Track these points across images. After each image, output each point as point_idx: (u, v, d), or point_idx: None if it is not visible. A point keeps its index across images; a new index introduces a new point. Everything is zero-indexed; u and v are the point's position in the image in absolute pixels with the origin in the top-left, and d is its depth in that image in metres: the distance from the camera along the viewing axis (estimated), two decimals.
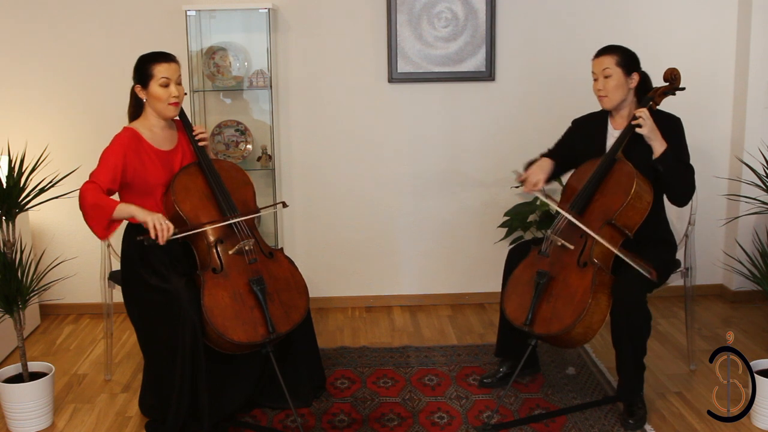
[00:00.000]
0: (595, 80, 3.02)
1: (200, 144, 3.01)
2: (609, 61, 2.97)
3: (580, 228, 2.91)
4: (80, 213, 4.09)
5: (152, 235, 2.71)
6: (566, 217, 2.97)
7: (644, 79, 3.04)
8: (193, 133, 3.01)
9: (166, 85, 2.87)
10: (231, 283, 2.83)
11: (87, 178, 2.80)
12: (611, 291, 2.81)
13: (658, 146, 2.87)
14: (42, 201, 2.99)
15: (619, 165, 2.93)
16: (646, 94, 3.02)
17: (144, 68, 2.88)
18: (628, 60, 2.98)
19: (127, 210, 2.76)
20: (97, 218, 2.74)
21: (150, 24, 3.96)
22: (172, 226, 2.75)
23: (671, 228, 3.14)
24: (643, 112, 2.88)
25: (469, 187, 4.20)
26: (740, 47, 4.11)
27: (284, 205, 3.15)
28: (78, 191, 2.76)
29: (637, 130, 2.89)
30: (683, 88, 3.04)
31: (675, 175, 2.88)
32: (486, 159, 4.18)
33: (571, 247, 2.91)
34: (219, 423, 2.88)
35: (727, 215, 4.19)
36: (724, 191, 4.11)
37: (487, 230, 4.22)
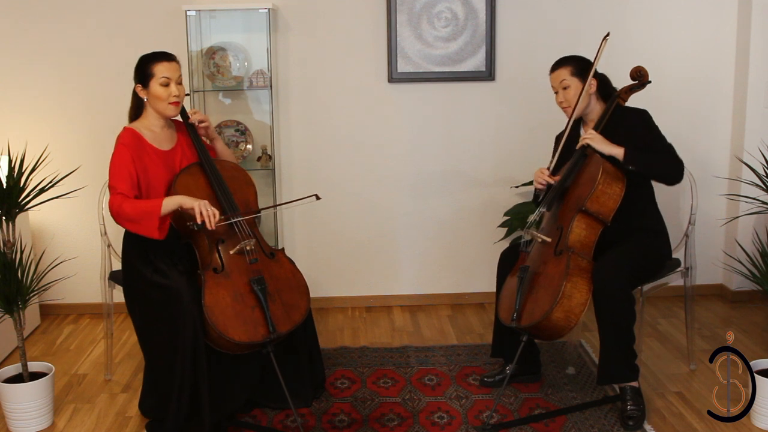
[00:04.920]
0: (556, 93, 3.11)
1: (200, 125, 3.03)
2: (564, 73, 3.06)
3: (556, 222, 2.98)
4: (77, 213, 4.09)
5: (198, 220, 2.74)
6: (543, 213, 3.05)
7: (603, 81, 3.11)
8: (188, 114, 3.01)
9: (166, 85, 2.88)
10: (232, 282, 2.83)
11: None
12: (591, 276, 2.84)
13: (617, 152, 2.92)
14: (42, 201, 2.99)
15: (589, 158, 3.00)
16: (610, 94, 3.10)
17: (144, 68, 2.90)
18: (582, 68, 3.05)
19: (173, 202, 2.77)
20: (147, 224, 2.75)
21: (150, 24, 3.96)
22: (217, 212, 2.77)
23: (662, 217, 3.15)
24: (585, 138, 2.97)
25: (469, 187, 4.20)
26: (740, 48, 4.10)
27: (317, 197, 3.07)
28: (109, 207, 2.80)
29: (588, 142, 2.97)
30: (650, 82, 3.10)
31: (650, 165, 2.93)
32: (486, 159, 4.18)
33: (549, 239, 2.96)
34: (219, 422, 2.88)
35: (727, 215, 4.19)
36: (724, 191, 4.12)
37: (487, 230, 4.22)
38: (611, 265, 2.84)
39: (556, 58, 4.09)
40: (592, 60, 3.05)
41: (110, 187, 2.82)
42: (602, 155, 2.94)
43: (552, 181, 3.05)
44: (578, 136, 3.13)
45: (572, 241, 2.89)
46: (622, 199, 2.91)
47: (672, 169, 2.95)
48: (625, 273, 2.86)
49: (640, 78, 3.07)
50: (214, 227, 2.76)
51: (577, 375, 3.34)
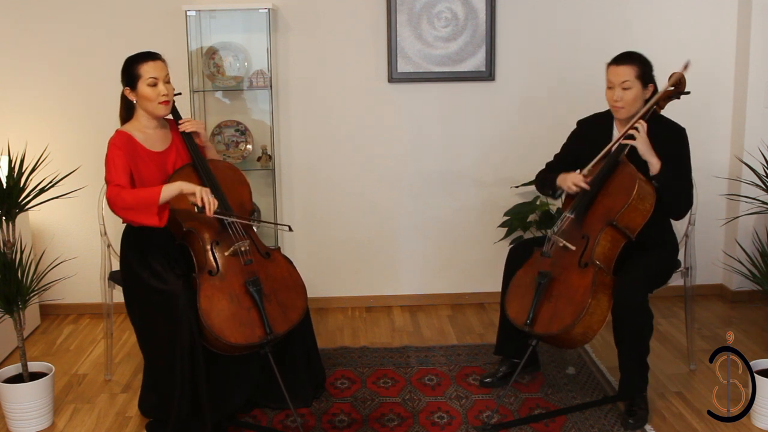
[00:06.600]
0: (611, 88, 2.96)
1: (188, 131, 2.99)
2: (629, 73, 2.91)
3: (581, 229, 2.91)
4: (77, 213, 4.08)
5: (200, 204, 2.74)
6: (568, 218, 2.97)
7: (655, 86, 3.03)
8: (179, 123, 3.00)
9: (154, 85, 2.87)
10: (227, 284, 2.82)
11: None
12: (612, 291, 2.81)
13: (654, 162, 2.85)
14: (42, 201, 2.99)
15: (622, 167, 2.92)
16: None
17: (131, 69, 2.88)
18: (646, 72, 2.95)
19: (174, 187, 2.76)
20: (146, 212, 2.74)
21: (150, 24, 3.96)
22: (216, 202, 2.77)
23: (673, 229, 3.14)
24: (641, 125, 2.86)
25: (469, 187, 4.20)
26: (740, 47, 4.10)
27: (290, 229, 3.13)
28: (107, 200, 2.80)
29: (630, 142, 2.86)
30: (688, 93, 3.02)
31: (671, 192, 2.88)
32: (486, 159, 4.18)
33: (573, 247, 2.90)
34: (219, 422, 2.88)
35: (727, 215, 4.19)
36: (724, 191, 4.11)
37: (487, 230, 4.22)
38: (633, 282, 2.81)
39: (557, 58, 4.11)
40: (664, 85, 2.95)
41: (107, 181, 2.82)
42: (633, 157, 2.88)
43: (586, 186, 2.95)
44: (611, 132, 3.06)
45: (598, 254, 2.84)
46: (650, 215, 2.86)
47: (684, 207, 2.95)
48: (646, 288, 2.85)
49: (678, 86, 2.97)
50: (212, 215, 2.76)
51: (577, 375, 3.34)
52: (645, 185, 2.86)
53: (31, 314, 3.98)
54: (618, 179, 2.91)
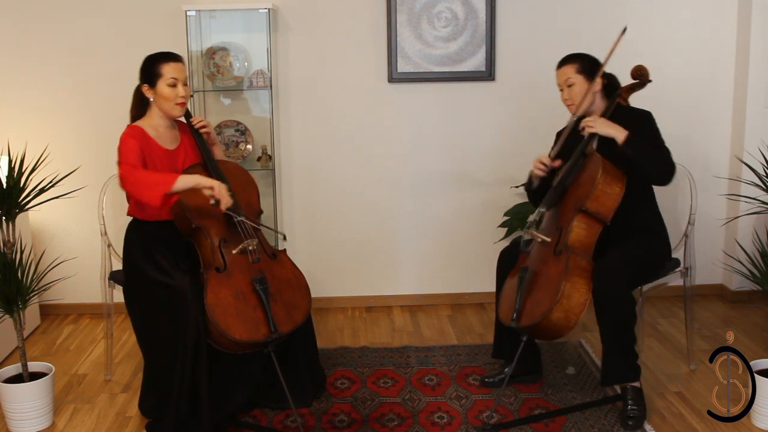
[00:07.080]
0: (561, 91, 3.09)
1: (202, 131, 3.03)
2: (570, 71, 3.04)
3: (557, 221, 2.97)
4: (77, 213, 4.08)
5: (217, 197, 2.75)
6: (543, 213, 3.02)
7: (610, 80, 3.08)
8: (191, 121, 3.03)
9: (173, 85, 2.90)
10: (234, 282, 2.83)
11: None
12: (591, 276, 2.83)
13: (619, 134, 2.89)
14: (42, 201, 2.99)
15: (589, 158, 2.99)
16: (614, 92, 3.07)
17: (152, 68, 2.91)
18: (588, 66, 3.03)
19: (191, 180, 2.76)
20: (155, 191, 2.71)
21: (150, 24, 3.96)
22: (231, 200, 2.79)
23: (661, 217, 3.14)
24: (587, 121, 2.95)
25: (469, 187, 4.20)
26: (740, 47, 4.11)
27: (284, 238, 3.22)
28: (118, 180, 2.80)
29: (590, 131, 2.94)
30: (650, 81, 3.07)
31: (645, 155, 2.88)
32: (486, 159, 4.18)
33: (549, 239, 2.95)
34: (219, 422, 2.88)
35: (727, 215, 4.19)
36: (724, 191, 4.12)
37: (487, 230, 4.22)
38: (611, 266, 2.84)
39: (557, 58, 4.10)
40: (604, 58, 3.00)
41: (120, 163, 2.82)
42: (603, 149, 2.93)
43: (554, 165, 3.02)
44: (579, 133, 3.11)
45: (572, 241, 2.89)
46: (621, 198, 2.90)
47: (665, 166, 2.92)
48: (625, 274, 2.85)
49: (641, 77, 3.06)
50: (224, 209, 2.78)
51: (577, 375, 3.34)
52: (612, 170, 2.91)
53: (31, 314, 3.98)
54: (586, 169, 2.97)
